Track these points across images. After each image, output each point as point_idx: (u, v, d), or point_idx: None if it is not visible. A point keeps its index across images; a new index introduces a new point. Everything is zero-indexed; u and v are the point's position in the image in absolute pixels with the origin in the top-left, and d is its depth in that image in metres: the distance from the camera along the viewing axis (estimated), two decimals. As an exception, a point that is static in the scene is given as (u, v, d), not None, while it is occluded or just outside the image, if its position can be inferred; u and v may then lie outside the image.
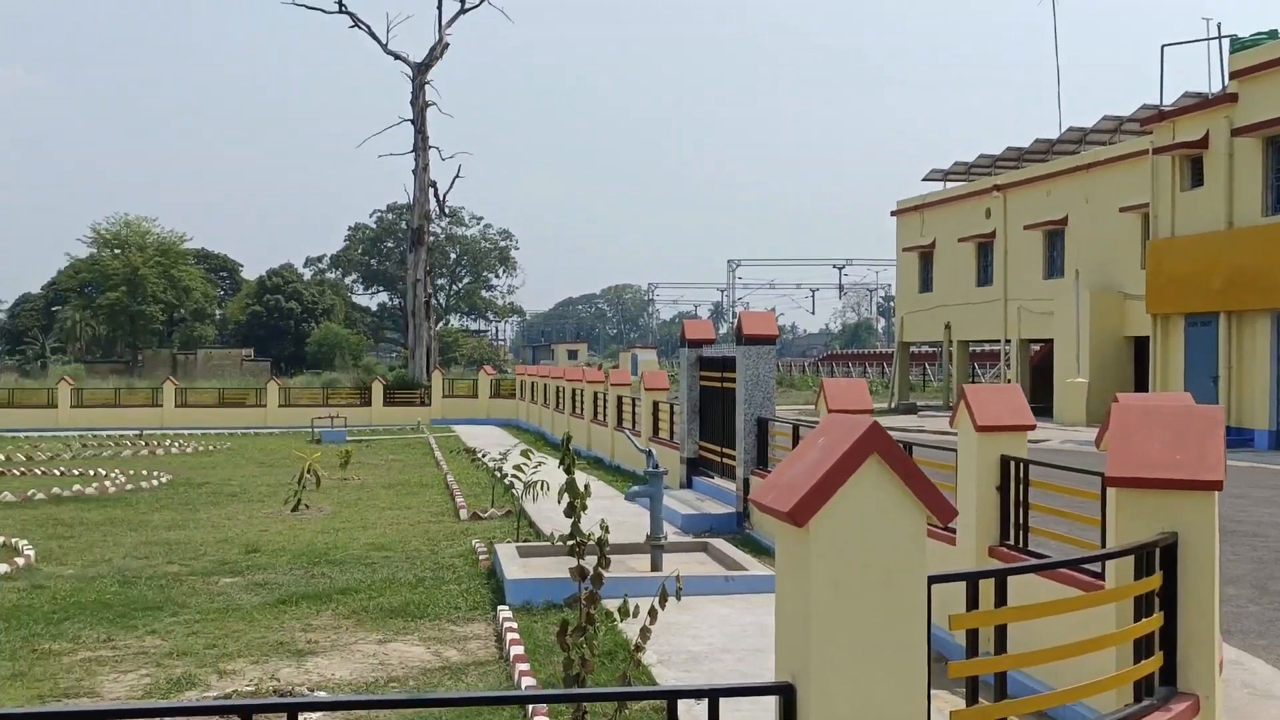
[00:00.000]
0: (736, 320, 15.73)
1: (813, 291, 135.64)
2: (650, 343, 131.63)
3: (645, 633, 6.23)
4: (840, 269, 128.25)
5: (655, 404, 22.32)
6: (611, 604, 8.99)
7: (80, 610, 10.91)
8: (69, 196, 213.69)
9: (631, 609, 6.27)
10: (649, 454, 11.95)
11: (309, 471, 18.84)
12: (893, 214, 51.34)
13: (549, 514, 15.99)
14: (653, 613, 6.16)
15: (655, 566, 11.30)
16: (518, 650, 8.68)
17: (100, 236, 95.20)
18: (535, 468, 13.84)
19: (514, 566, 11.26)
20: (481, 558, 13.17)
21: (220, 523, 17.25)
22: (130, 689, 8.35)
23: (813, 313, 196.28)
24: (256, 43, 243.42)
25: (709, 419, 18.15)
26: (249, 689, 8.15)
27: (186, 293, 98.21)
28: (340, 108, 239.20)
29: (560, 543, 7.40)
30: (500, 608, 10.30)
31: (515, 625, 9.57)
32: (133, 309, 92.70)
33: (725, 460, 17.09)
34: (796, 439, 13.25)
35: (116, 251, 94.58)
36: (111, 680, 8.57)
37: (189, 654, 9.27)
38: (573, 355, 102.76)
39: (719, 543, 12.69)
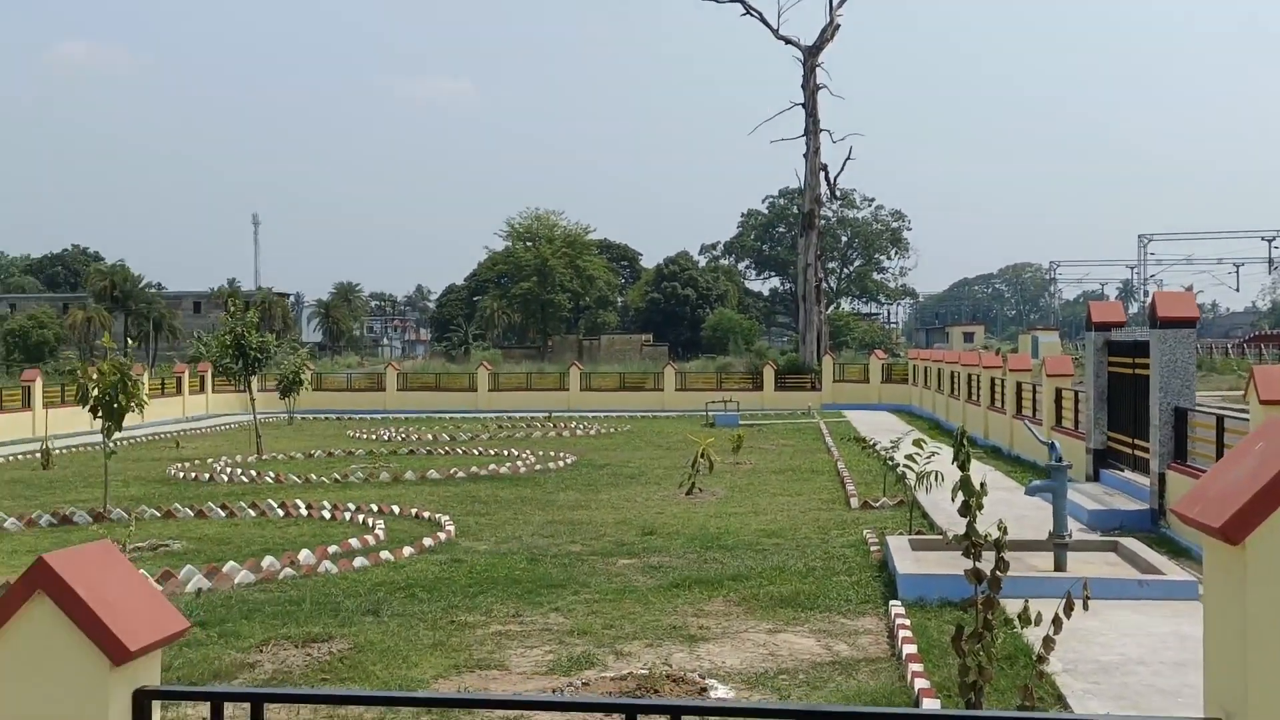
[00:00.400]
0: (1150, 301, 14.55)
1: (1236, 266, 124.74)
2: (1052, 324, 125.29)
3: (1049, 643, 5.80)
4: (1269, 241, 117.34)
5: (1058, 391, 21.13)
6: (1011, 605, 8.54)
7: (493, 585, 11.59)
8: (489, 194, 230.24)
9: (1034, 615, 5.86)
10: (1052, 446, 11.25)
11: (702, 456, 19.21)
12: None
13: (942, 505, 15.47)
14: (1057, 621, 5.73)
15: (1059, 566, 10.63)
16: (910, 649, 8.39)
17: (514, 230, 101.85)
18: (928, 457, 13.39)
19: (906, 560, 10.93)
20: (873, 549, 12.91)
21: (619, 504, 17.91)
22: (535, 664, 8.74)
23: (1236, 290, 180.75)
24: (651, 38, 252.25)
25: (1118, 408, 16.95)
26: (643, 672, 8.32)
27: (591, 281, 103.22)
28: (732, 96, 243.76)
29: (955, 542, 7.06)
30: (892, 603, 10.02)
31: (908, 622, 9.26)
32: (543, 297, 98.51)
33: (1137, 452, 15.90)
34: (1221, 432, 12.09)
35: (528, 244, 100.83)
36: (519, 655, 9.01)
37: (588, 633, 9.60)
38: (968, 338, 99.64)
39: (1131, 542, 11.78)
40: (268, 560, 12.44)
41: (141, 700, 3.52)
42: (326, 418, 41.79)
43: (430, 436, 31.92)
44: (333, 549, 13.30)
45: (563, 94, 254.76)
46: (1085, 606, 5.75)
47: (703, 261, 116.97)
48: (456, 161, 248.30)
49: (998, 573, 5.91)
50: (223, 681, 8.32)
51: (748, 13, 56.51)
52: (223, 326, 27.33)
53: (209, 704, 3.47)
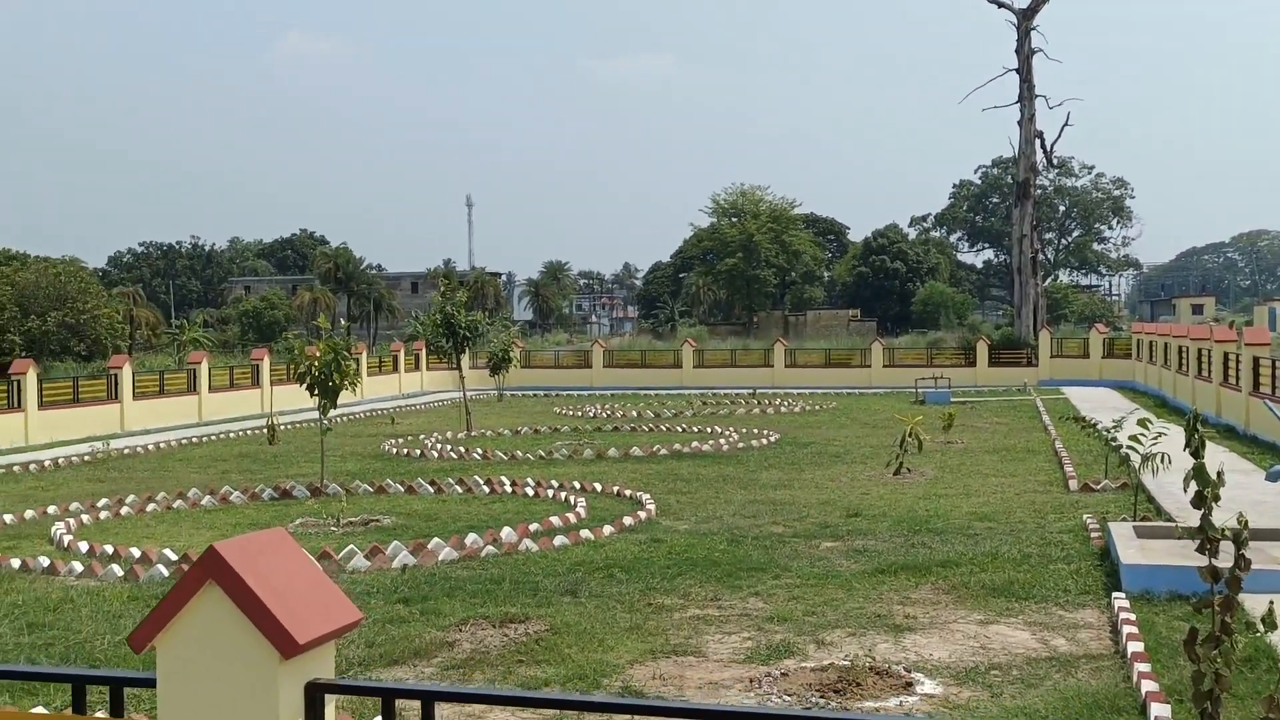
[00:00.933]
0: None
1: None
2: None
3: (1230, 604, 5.19)
4: None
5: (1300, 366, 19.62)
6: (1250, 602, 7.84)
7: (692, 566, 11.41)
8: (695, 170, 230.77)
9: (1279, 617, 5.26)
10: (1296, 428, 10.34)
11: (910, 435, 18.60)
12: None
13: (1170, 489, 14.54)
14: (1234, 581, 5.13)
15: (1304, 559, 9.75)
16: (1136, 647, 7.78)
17: (719, 206, 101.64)
18: (1155, 438, 12.52)
19: (1131, 549, 10.21)
20: (1093, 535, 12.17)
21: (823, 484, 17.50)
22: (733, 651, 8.50)
23: None
24: (856, 4, 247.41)
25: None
26: (845, 663, 7.99)
27: (797, 256, 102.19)
28: (942, 63, 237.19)
29: (1186, 533, 6.46)
30: (1115, 595, 9.36)
31: (1133, 617, 8.61)
32: (748, 273, 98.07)
33: (1393, 434, 14.54)
34: None
35: (733, 219, 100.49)
36: (716, 640, 8.80)
37: (789, 619, 9.31)
38: (1197, 310, 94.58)
39: (1387, 534, 10.73)
40: (471, 538, 12.58)
41: (313, 694, 3.42)
42: (534, 395, 42.53)
43: (634, 413, 32.06)
44: (534, 527, 13.37)
45: (767, 66, 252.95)
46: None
47: (913, 234, 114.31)
48: (661, 138, 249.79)
49: (1238, 571, 5.32)
50: (423, 660, 8.38)
51: (958, -24, 54.56)
52: (434, 306, 28.01)
53: (380, 699, 3.36)
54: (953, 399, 34.12)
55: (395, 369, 44.18)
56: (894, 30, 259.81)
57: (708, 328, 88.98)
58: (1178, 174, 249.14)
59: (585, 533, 13.03)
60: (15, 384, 26.34)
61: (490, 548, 12.27)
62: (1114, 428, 15.75)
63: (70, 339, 65.64)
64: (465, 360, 45.21)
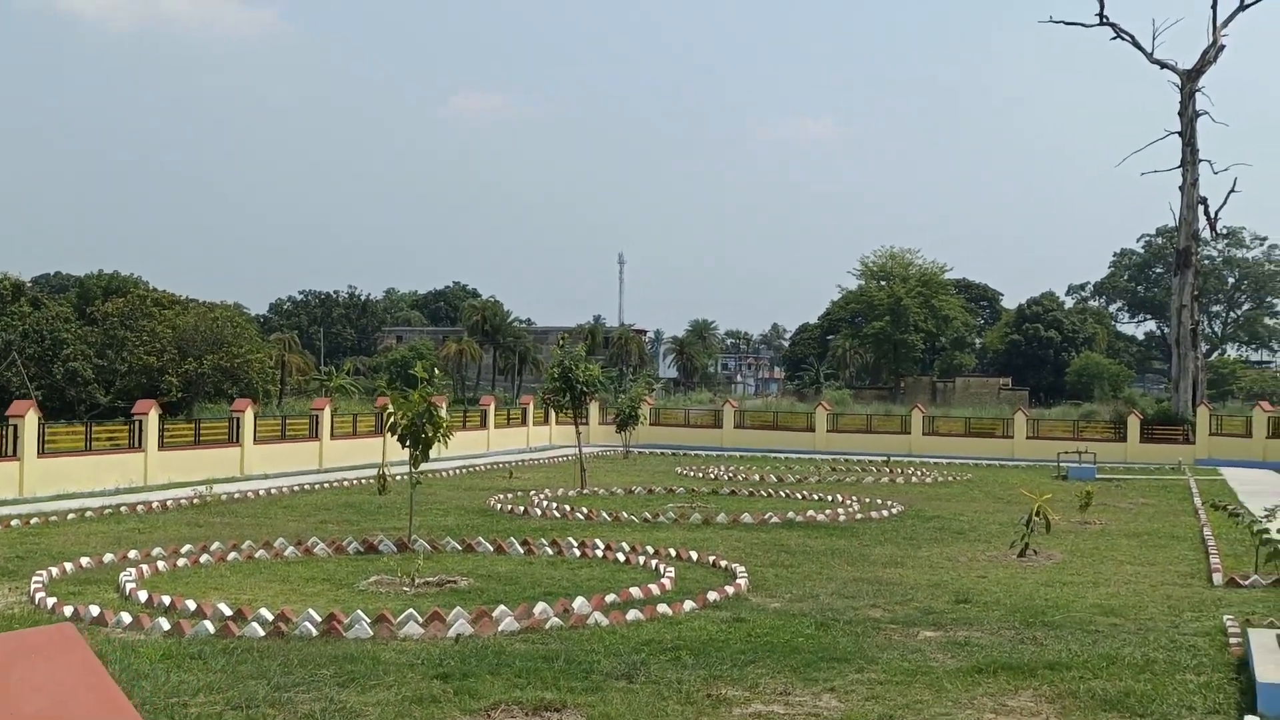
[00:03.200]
0: None
1: None
2: None
3: None
4: None
5: None
6: None
7: (769, 652, 10.34)
8: (844, 232, 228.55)
9: None
10: None
11: (1038, 514, 17.14)
12: None
13: (1329, 591, 12.89)
14: None
15: None
16: (1264, 790, 6.47)
17: (868, 269, 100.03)
18: (1310, 533, 11.04)
19: (1270, 663, 8.79)
20: (1233, 642, 10.69)
21: (938, 563, 16.20)
22: (786, 760, 7.44)
23: None
24: (1012, 66, 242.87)
25: None
26: (912, 784, 6.86)
27: (946, 322, 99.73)
28: (1099, 125, 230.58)
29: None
30: (1248, 718, 8.00)
31: (1265, 750, 7.27)
32: (895, 337, 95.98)
33: None
34: None
35: (882, 283, 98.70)
36: (771, 745, 7.74)
37: (860, 724, 8.20)
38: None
39: None
40: (540, 607, 11.74)
41: None
42: (662, 453, 41.74)
43: (758, 477, 30.94)
44: (610, 598, 12.46)
45: (920, 128, 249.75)
46: None
47: (1069, 302, 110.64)
48: (813, 200, 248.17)
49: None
50: (438, 748, 7.53)
51: (1118, 36, 52.56)
52: (552, 359, 27.49)
53: None
54: (1098, 475, 32.12)
55: (524, 422, 43.91)
56: (1051, 91, 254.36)
57: (853, 391, 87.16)
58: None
59: (663, 607, 12.06)
60: (137, 424, 26.65)
61: (556, 619, 11.41)
62: (1268, 516, 14.16)
63: (224, 382, 67.47)
64: (592, 414, 44.80)
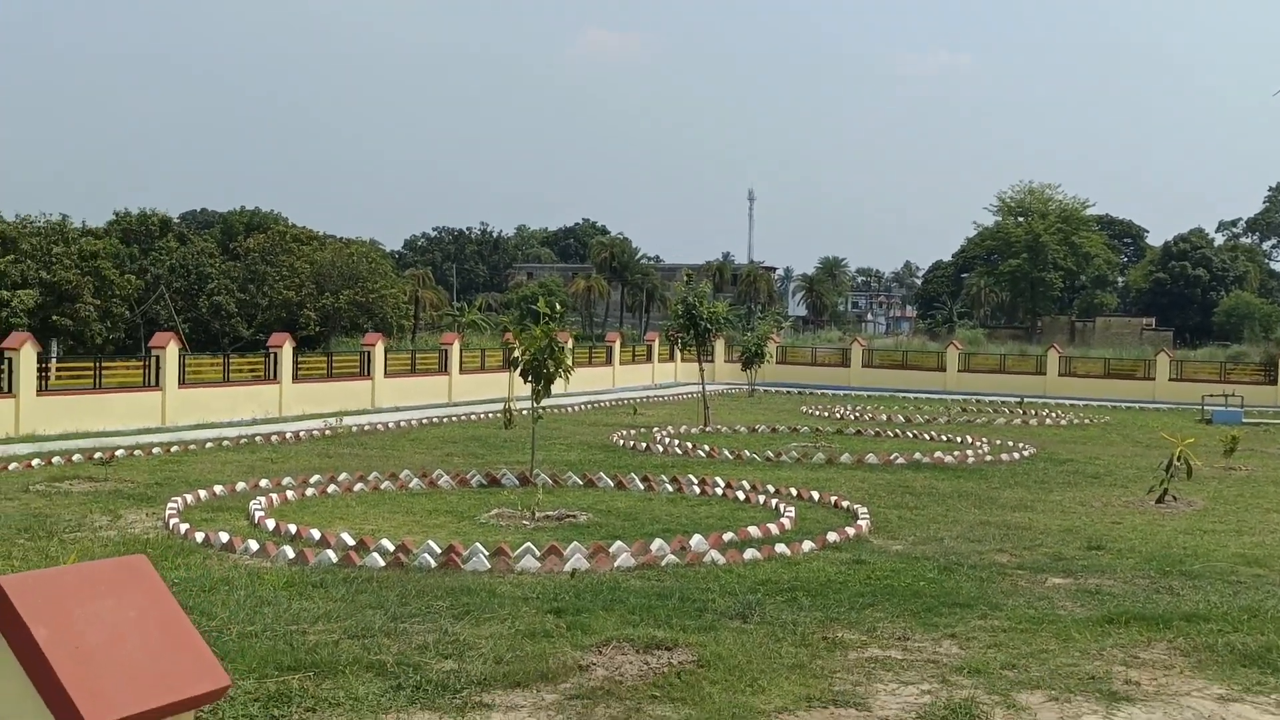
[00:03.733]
0: None
1: None
2: None
3: None
4: None
5: None
6: None
7: (889, 595, 10.09)
8: (981, 167, 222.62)
9: None
10: None
11: (1179, 459, 16.45)
12: None
13: None
14: None
15: None
16: None
17: (1005, 205, 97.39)
18: None
19: None
20: (1387, 597, 10.08)
21: (1070, 507, 15.67)
22: (903, 707, 7.21)
23: None
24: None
25: None
26: (1034, 737, 6.57)
27: (1087, 259, 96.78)
28: (1255, 51, 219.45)
29: None
30: (1402, 681, 7.50)
31: None
32: (1033, 275, 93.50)
33: None
34: None
35: (1019, 219, 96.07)
36: (889, 693, 7.51)
37: (982, 671, 7.91)
38: None
39: None
40: (656, 544, 11.66)
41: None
42: (788, 391, 41.36)
43: (885, 417, 30.43)
44: (728, 536, 12.31)
45: (1062, 60, 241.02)
46: None
47: (1219, 240, 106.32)
48: (951, 135, 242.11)
49: None
50: (548, 685, 7.48)
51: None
52: (676, 296, 27.31)
53: None
54: (1245, 419, 30.81)
55: (649, 359, 43.91)
56: (1204, 15, 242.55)
57: (987, 331, 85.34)
58: None
59: (781, 547, 11.87)
60: (272, 357, 27.31)
61: (672, 556, 11.31)
62: None
63: (360, 316, 68.97)
64: (718, 351, 44.58)
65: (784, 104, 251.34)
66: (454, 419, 27.42)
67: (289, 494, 15.09)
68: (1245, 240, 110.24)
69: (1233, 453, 21.10)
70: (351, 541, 11.71)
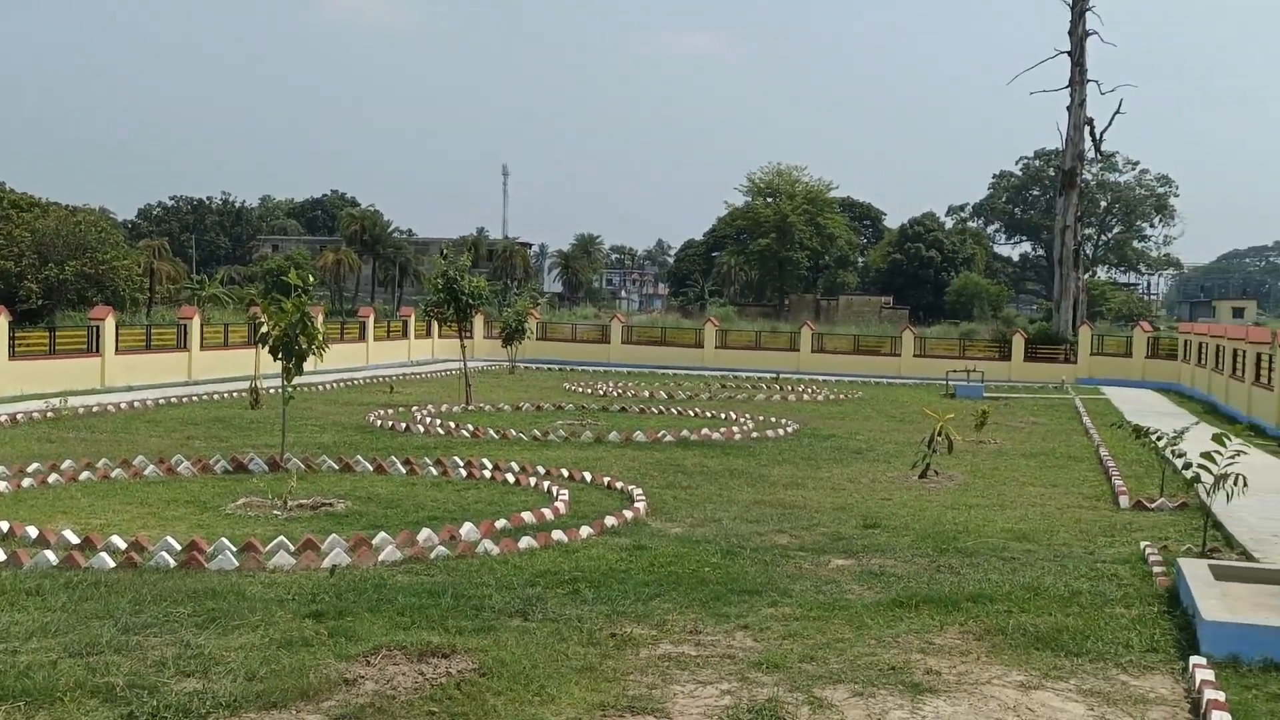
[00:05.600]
0: None
1: None
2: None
3: None
4: None
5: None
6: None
7: (675, 584, 9.58)
8: (732, 149, 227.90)
9: None
10: None
11: (940, 434, 16.68)
12: None
13: (1244, 517, 12.64)
14: None
15: None
16: (1232, 746, 5.89)
17: (755, 185, 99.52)
18: (1232, 457, 10.59)
19: (1210, 597, 8.28)
20: (1157, 572, 10.23)
21: (841, 484, 15.64)
22: (704, 712, 6.66)
23: None
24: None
25: None
26: (846, 740, 6.13)
27: (831, 240, 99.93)
28: (989, 44, 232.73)
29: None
30: (1194, 660, 7.46)
31: (1221, 697, 6.71)
32: (781, 255, 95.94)
33: None
34: None
35: (769, 199, 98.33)
36: (686, 695, 6.96)
37: (781, 666, 7.47)
38: (1238, 314, 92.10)
39: None
40: (424, 534, 10.81)
41: None
42: (549, 368, 40.81)
43: (647, 393, 30.23)
44: (501, 524, 11.57)
45: (809, 45, 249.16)
46: None
47: (949, 223, 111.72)
48: (702, 116, 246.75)
49: None
50: (309, 704, 6.57)
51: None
52: (435, 270, 26.21)
53: None
54: (985, 394, 32.15)
55: (405, 335, 42.50)
56: (939, 9, 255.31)
57: (737, 308, 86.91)
58: (1223, 173, 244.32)
59: (559, 534, 11.21)
60: (-15, 332, 24.74)
61: (442, 548, 10.48)
62: (1175, 439, 13.83)
63: (89, 289, 64.31)
64: (477, 327, 43.58)
65: (539, 79, 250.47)
66: (195, 399, 25.56)
67: (1, 485, 13.40)
68: (972, 224, 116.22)
69: (983, 426, 21.75)
70: (75, 539, 10.40)
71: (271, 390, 25.53)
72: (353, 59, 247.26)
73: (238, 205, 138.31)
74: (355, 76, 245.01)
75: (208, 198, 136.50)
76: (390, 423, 21.17)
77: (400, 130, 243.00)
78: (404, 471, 15.42)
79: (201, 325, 31.91)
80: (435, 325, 43.63)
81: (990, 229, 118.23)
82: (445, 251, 26.22)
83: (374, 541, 10.43)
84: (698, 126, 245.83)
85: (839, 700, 6.89)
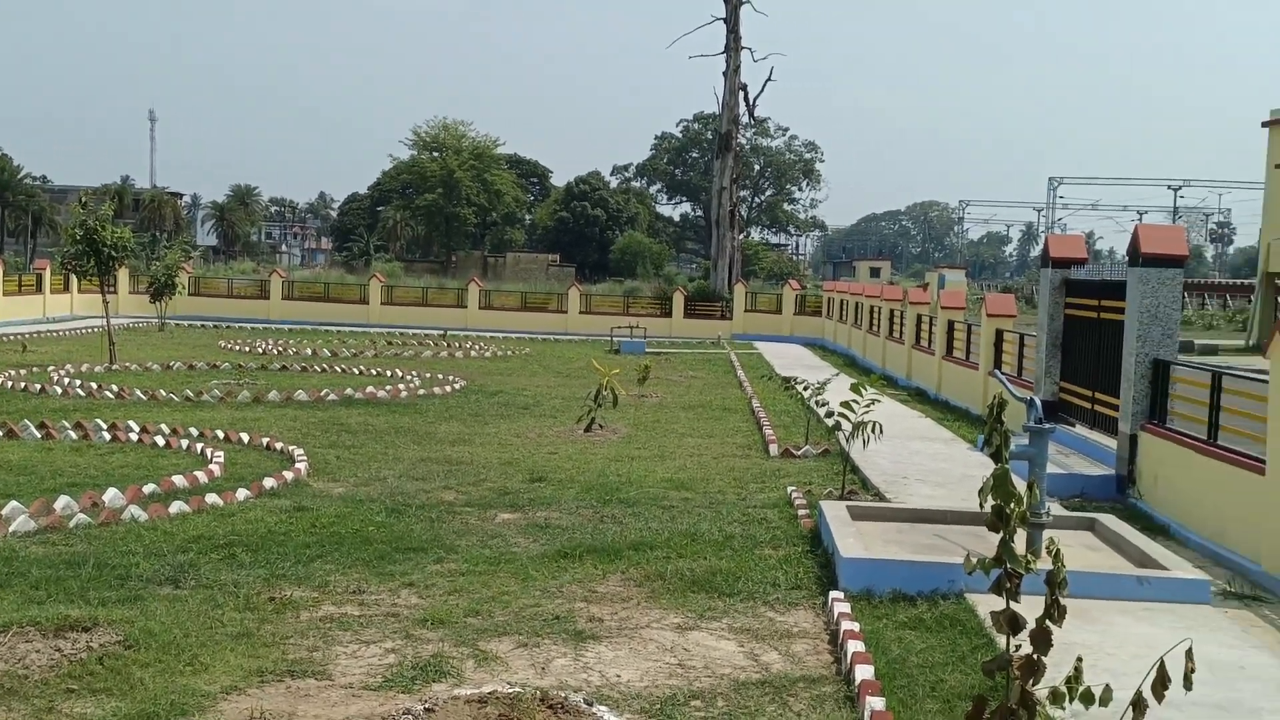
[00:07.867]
0: (1132, 236, 12.63)
1: (1139, 215, 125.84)
2: (958, 263, 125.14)
3: (1033, 667, 3.80)
4: (1176, 190, 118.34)
5: (998, 333, 19.33)
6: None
7: (337, 545, 9.37)
8: (398, 100, 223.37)
9: (1021, 623, 3.85)
10: (1030, 404, 9.31)
11: (606, 388, 17.07)
12: (1265, 124, 44.90)
13: (877, 462, 13.64)
14: (1043, 633, 3.78)
15: (1033, 551, 8.68)
16: (864, 672, 6.33)
17: (420, 139, 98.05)
18: (868, 406, 11.39)
19: (849, 537, 8.89)
20: (801, 514, 10.89)
21: (507, 440, 15.73)
22: (368, 671, 6.56)
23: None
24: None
25: (1075, 355, 15.14)
26: (511, 690, 6.17)
27: (498, 196, 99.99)
28: (653, 7, 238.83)
29: (909, 513, 5.02)
30: (832, 594, 8.00)
31: (855, 627, 7.23)
32: (448, 210, 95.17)
33: (1097, 408, 14.10)
34: (1218, 393, 10.23)
35: (435, 154, 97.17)
36: (349, 655, 6.83)
37: (446, 623, 7.45)
38: (875, 273, 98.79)
39: (1110, 520, 9.92)
40: (63, 501, 10.06)
41: None
42: (203, 325, 38.87)
43: (310, 351, 29.35)
44: (149, 488, 10.94)
45: (477, 2, 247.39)
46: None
47: (614, 183, 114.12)
48: (364, 62, 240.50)
49: (1048, 623, 3.84)
50: (-74, 691, 6.00)
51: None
52: (73, 219, 24.32)
53: None
54: (648, 349, 33.20)
55: (40, 289, 39.33)
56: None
57: (404, 264, 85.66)
58: (862, 141, 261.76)
59: (213, 497, 10.72)
60: None
61: (83, 516, 9.79)
62: (819, 389, 14.75)
63: None
64: (122, 282, 40.95)
65: (188, 15, 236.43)
66: None
67: None
68: (636, 184, 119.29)
69: (645, 381, 22.41)
70: None
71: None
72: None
73: None
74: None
75: None
76: (23, 384, 19.55)
77: (33, 67, 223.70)
78: (39, 436, 14.29)
79: None
80: (74, 280, 40.63)
81: (653, 189, 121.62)
82: (84, 199, 24.35)
83: (4, 511, 9.62)
84: (360, 75, 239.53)
85: (504, 652, 6.95)
